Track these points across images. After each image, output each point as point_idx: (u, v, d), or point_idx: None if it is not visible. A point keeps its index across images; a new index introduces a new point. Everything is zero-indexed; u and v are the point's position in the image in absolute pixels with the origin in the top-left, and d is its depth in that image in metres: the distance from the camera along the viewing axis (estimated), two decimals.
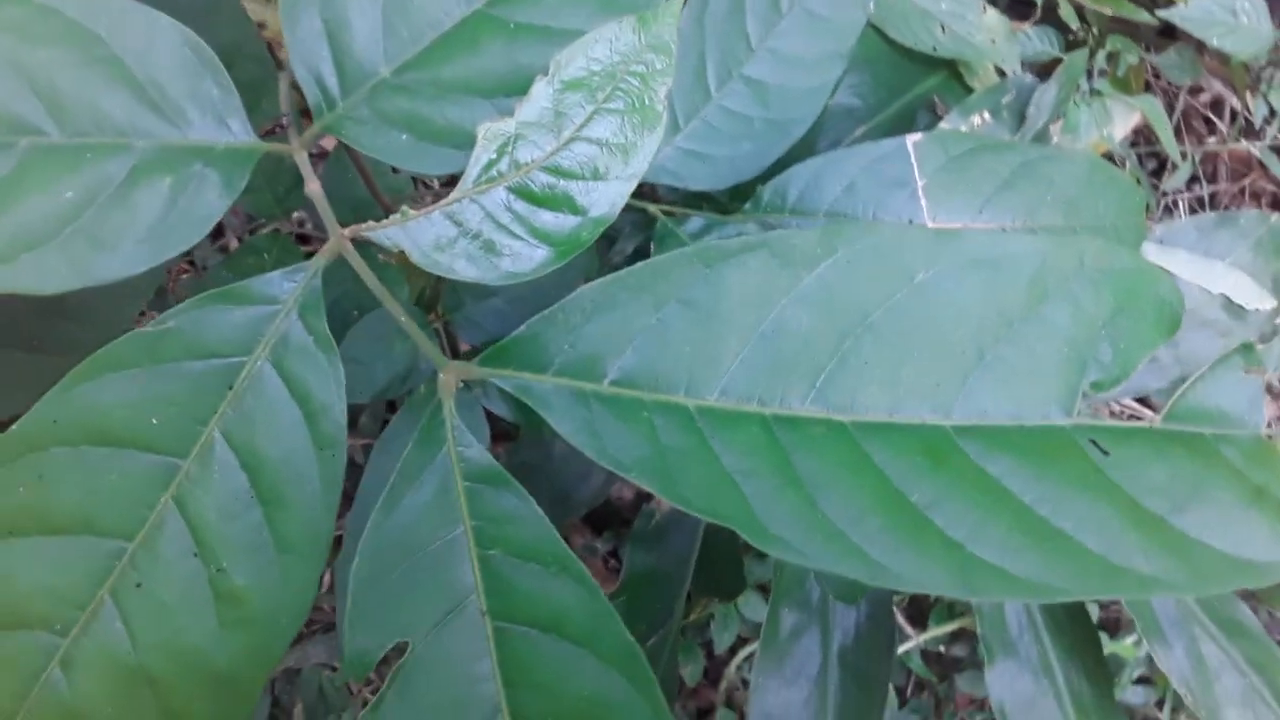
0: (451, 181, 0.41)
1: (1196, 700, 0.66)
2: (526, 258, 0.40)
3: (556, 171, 0.40)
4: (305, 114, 0.44)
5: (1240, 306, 0.77)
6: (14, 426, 0.37)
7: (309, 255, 0.52)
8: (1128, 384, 0.40)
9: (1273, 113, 1.30)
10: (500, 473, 0.38)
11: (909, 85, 0.99)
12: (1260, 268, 0.80)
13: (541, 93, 0.40)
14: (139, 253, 0.40)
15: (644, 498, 1.13)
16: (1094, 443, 0.39)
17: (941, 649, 1.32)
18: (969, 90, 1.01)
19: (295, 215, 0.99)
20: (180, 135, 0.41)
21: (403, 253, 0.84)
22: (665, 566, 0.87)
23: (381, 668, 0.37)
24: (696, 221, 0.70)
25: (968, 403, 0.38)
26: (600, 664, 0.35)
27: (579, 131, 0.40)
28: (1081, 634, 0.76)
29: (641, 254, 0.80)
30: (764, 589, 1.27)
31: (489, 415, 0.81)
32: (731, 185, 0.73)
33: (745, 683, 1.24)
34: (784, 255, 0.37)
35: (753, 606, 1.25)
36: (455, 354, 0.90)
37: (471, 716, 0.35)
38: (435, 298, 0.96)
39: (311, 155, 0.45)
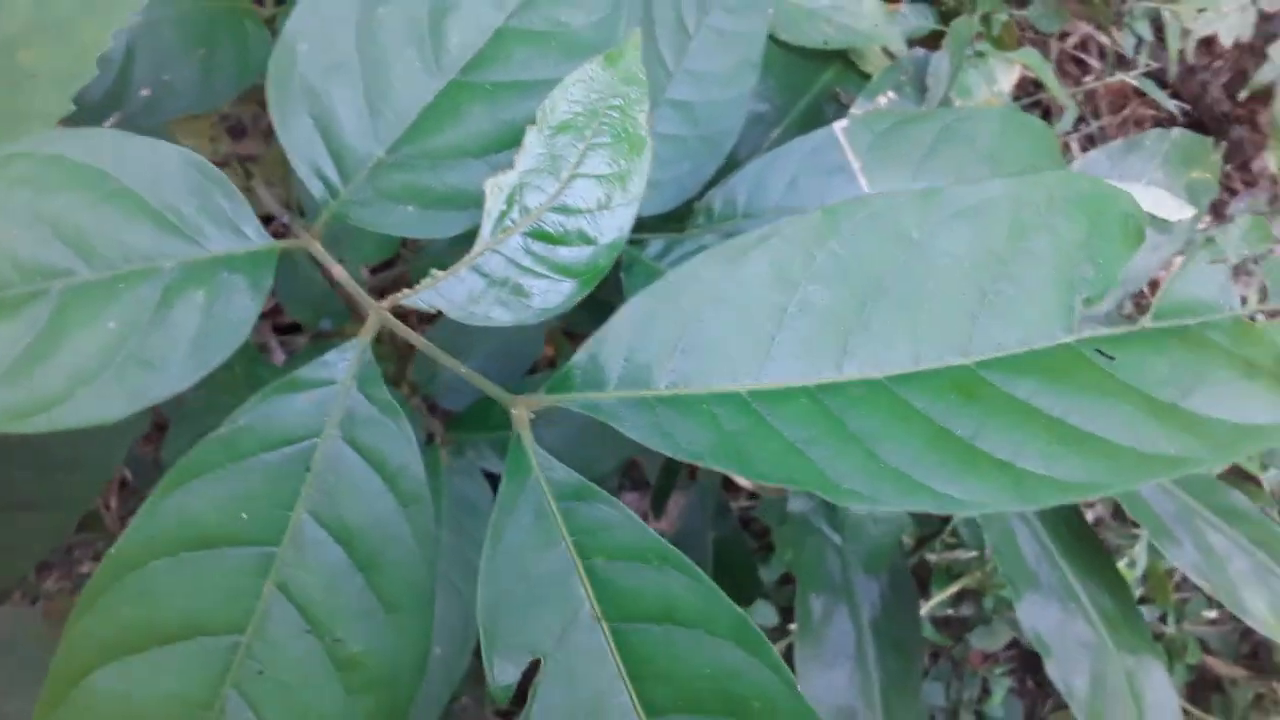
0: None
1: (1214, 586, 0.70)
2: (555, 293, 0.43)
3: (564, 210, 0.43)
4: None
5: (1164, 220, 0.82)
6: (111, 549, 0.39)
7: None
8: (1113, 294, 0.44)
9: (1140, 41, 1.38)
10: (588, 486, 0.40)
11: (809, 83, 1.03)
12: (1173, 180, 0.86)
13: (535, 141, 0.43)
14: (187, 366, 0.41)
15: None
16: (1100, 351, 0.42)
17: (950, 612, 1.35)
18: (864, 77, 1.06)
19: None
20: (202, 250, 0.43)
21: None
22: None
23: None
24: (657, 244, 0.73)
25: (982, 339, 0.41)
26: (715, 640, 0.38)
27: (576, 169, 0.43)
28: (1092, 553, 0.80)
29: (611, 285, 0.82)
30: (766, 596, 1.29)
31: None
32: (679, 204, 0.76)
33: None
34: (794, 239, 0.40)
35: (762, 613, 1.27)
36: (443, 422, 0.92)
37: (608, 715, 0.37)
38: (401, 373, 0.97)
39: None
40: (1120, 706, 0.72)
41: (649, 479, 1.12)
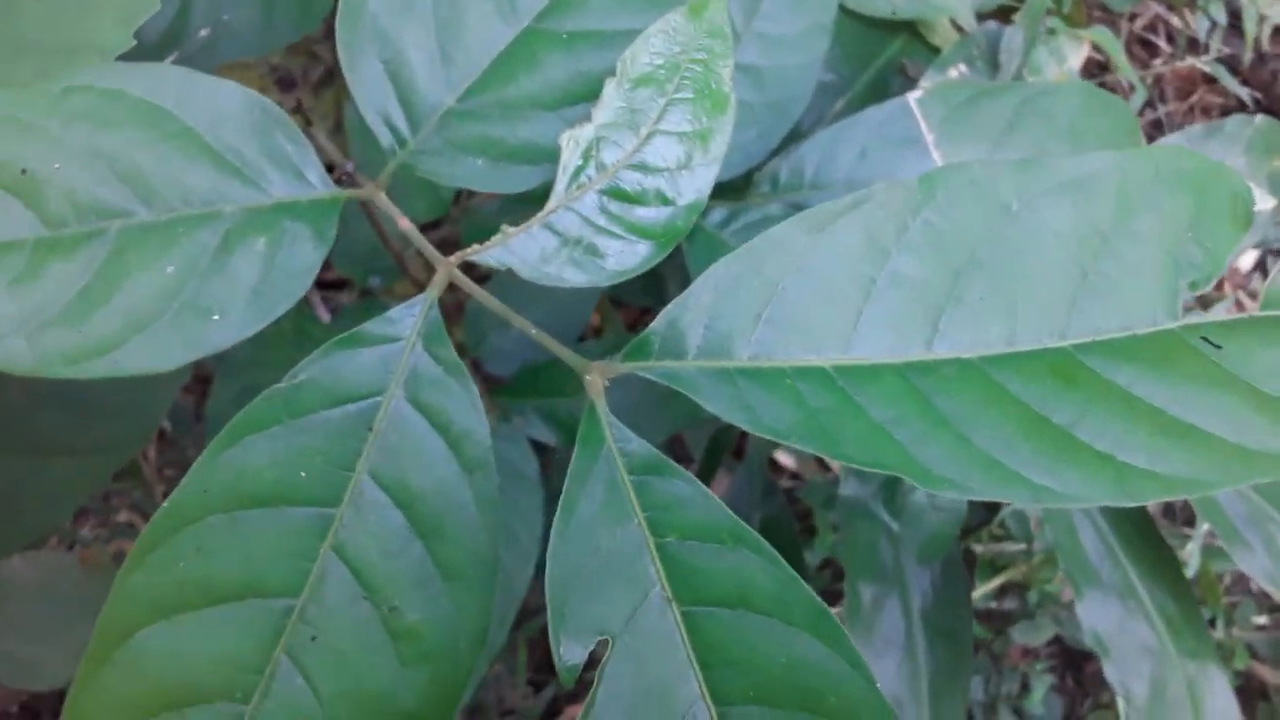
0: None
1: None
2: (630, 254, 0.41)
3: (643, 168, 0.41)
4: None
5: None
6: (165, 503, 0.37)
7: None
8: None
9: (1214, 25, 1.33)
10: (663, 461, 0.38)
11: (876, 53, 1.01)
12: (1255, 169, 0.82)
13: (614, 94, 0.41)
14: (247, 315, 0.40)
15: None
16: (1205, 340, 0.40)
17: (993, 605, 1.33)
18: (932, 49, 1.03)
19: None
20: (265, 196, 0.41)
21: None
22: None
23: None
24: (719, 212, 0.71)
25: (1081, 321, 0.39)
26: (791, 629, 0.36)
27: (656, 125, 0.41)
28: (1156, 553, 0.77)
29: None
30: (806, 580, 1.27)
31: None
32: (743, 172, 0.74)
33: None
34: (888, 206, 0.38)
35: None
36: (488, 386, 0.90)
37: (676, 702, 0.35)
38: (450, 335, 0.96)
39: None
40: (1180, 715, 0.70)
41: (693, 455, 1.11)
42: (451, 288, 0.44)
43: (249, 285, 0.40)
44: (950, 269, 0.39)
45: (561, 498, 0.37)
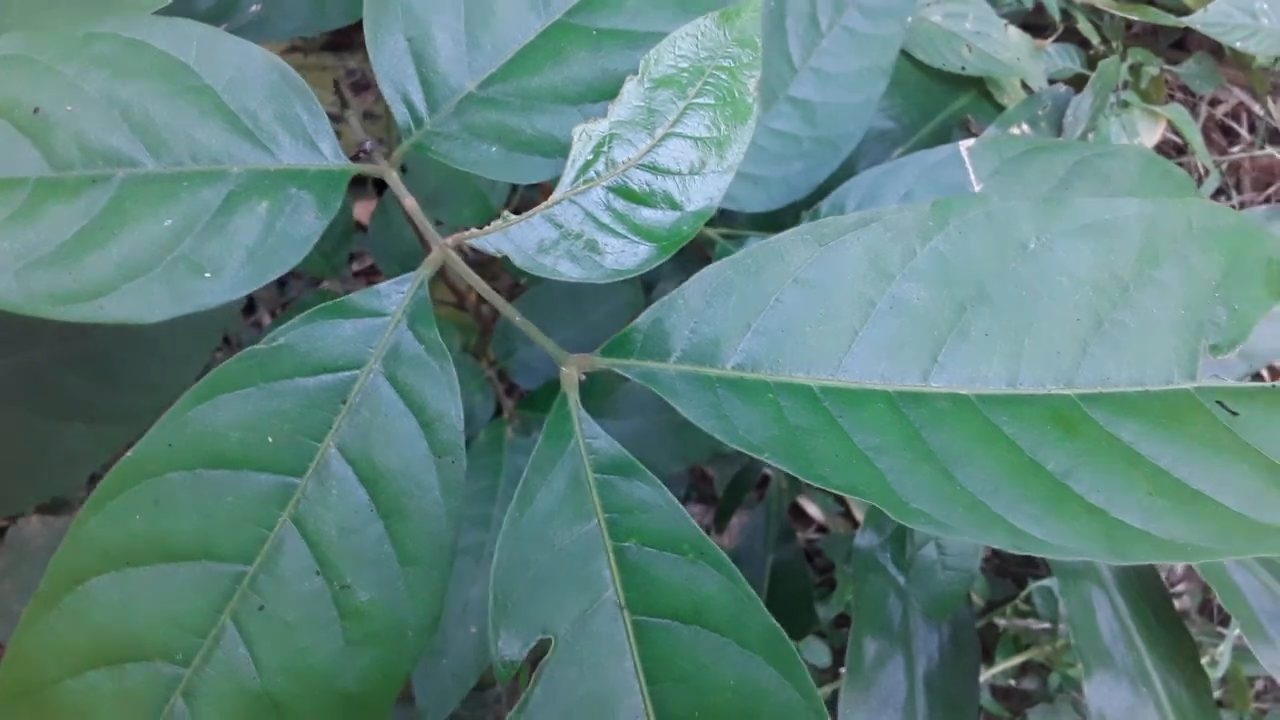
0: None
1: None
2: (630, 254, 0.40)
3: (653, 169, 0.40)
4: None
5: None
6: (129, 453, 0.37)
7: None
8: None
9: None
10: (630, 462, 0.37)
11: (940, 106, 0.99)
12: None
13: (633, 92, 0.40)
14: (241, 276, 0.39)
15: None
16: (1221, 404, 0.38)
17: (1011, 683, 1.29)
18: (998, 108, 1.01)
19: (345, 271, 0.99)
20: (273, 160, 0.41)
21: (458, 302, 0.83)
22: None
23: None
24: (755, 242, 0.69)
25: (1090, 370, 0.37)
26: (745, 652, 0.34)
27: (672, 128, 0.40)
28: (1175, 640, 0.74)
29: None
30: (821, 634, 1.25)
31: None
32: (785, 205, 0.73)
33: None
34: (897, 228, 0.37)
35: (814, 650, 1.23)
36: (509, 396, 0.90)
37: (617, 715, 0.34)
38: (483, 346, 0.96)
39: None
40: None
41: (718, 494, 1.09)
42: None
43: (246, 247, 0.40)
44: (956, 301, 0.37)
45: (519, 486, 0.36)
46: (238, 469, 0.37)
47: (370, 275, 1.22)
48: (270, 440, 0.37)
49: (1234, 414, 0.38)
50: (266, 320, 1.26)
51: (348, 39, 1.19)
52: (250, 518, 0.37)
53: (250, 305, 1.28)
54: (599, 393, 0.80)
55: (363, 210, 1.16)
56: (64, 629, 0.36)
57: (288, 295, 1.26)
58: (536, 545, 0.35)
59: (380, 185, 1.16)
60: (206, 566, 0.37)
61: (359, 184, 1.20)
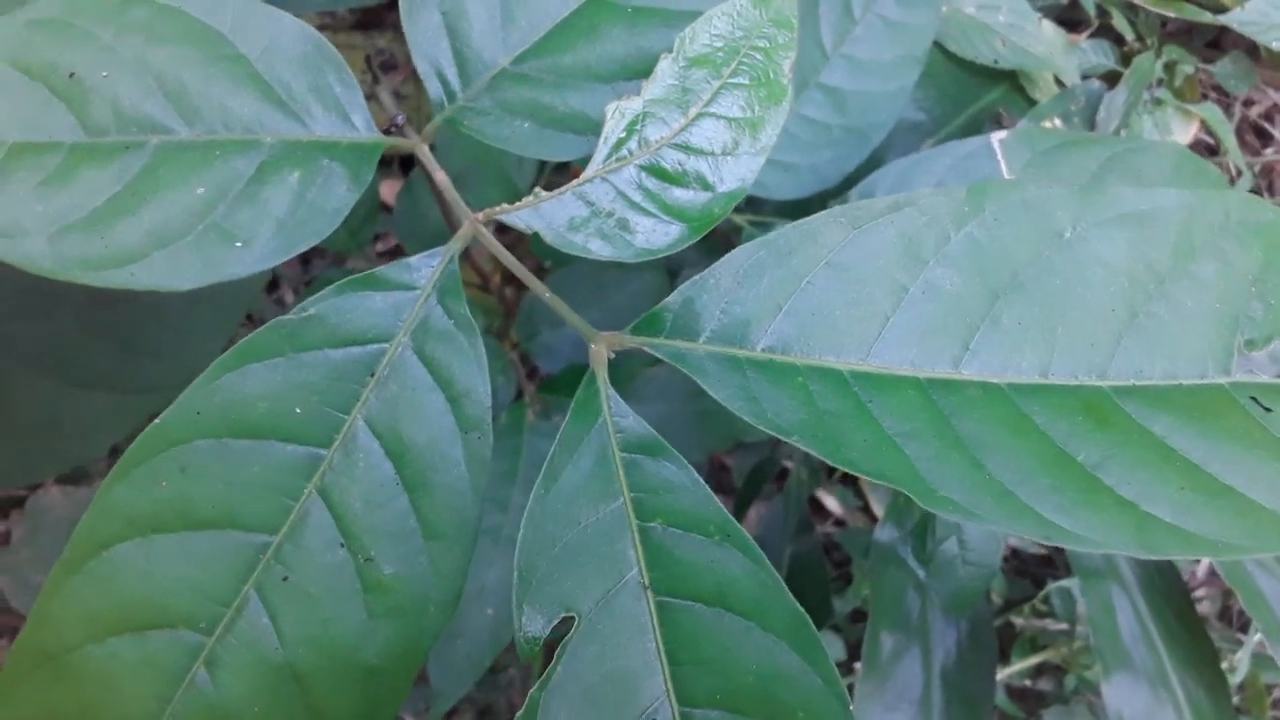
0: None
1: None
2: (661, 234, 0.39)
3: (686, 148, 0.40)
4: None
5: None
6: (157, 420, 0.37)
7: None
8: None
9: None
10: (658, 441, 0.37)
11: (972, 99, 0.98)
12: None
13: (667, 70, 0.40)
14: (270, 247, 0.39)
15: None
16: (1255, 400, 0.37)
17: (1027, 683, 1.28)
18: (1031, 102, 1.00)
19: (370, 250, 0.99)
20: (306, 131, 0.41)
21: (482, 284, 0.83)
22: None
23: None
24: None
25: (1123, 362, 0.37)
26: (768, 636, 0.34)
27: (706, 108, 0.40)
28: (1195, 644, 0.73)
29: None
30: (836, 628, 1.24)
31: None
32: (813, 193, 0.73)
33: None
34: (931, 213, 0.36)
35: (828, 644, 1.22)
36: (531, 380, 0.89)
37: (638, 695, 0.33)
38: (505, 329, 0.96)
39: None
40: None
41: (736, 485, 1.09)
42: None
43: (277, 217, 0.40)
44: (989, 288, 0.37)
45: (546, 463, 0.36)
46: (264, 439, 0.37)
47: (394, 256, 1.22)
48: (298, 411, 0.37)
49: (1268, 410, 0.37)
50: (290, 298, 1.26)
51: (378, 18, 1.19)
52: (276, 488, 0.37)
53: (273, 283, 1.28)
54: (620, 379, 0.80)
55: (388, 191, 1.16)
56: (88, 595, 0.37)
57: (311, 273, 1.26)
58: (562, 523, 0.35)
59: (406, 166, 1.16)
60: (232, 536, 0.37)
61: (384, 164, 1.20)
